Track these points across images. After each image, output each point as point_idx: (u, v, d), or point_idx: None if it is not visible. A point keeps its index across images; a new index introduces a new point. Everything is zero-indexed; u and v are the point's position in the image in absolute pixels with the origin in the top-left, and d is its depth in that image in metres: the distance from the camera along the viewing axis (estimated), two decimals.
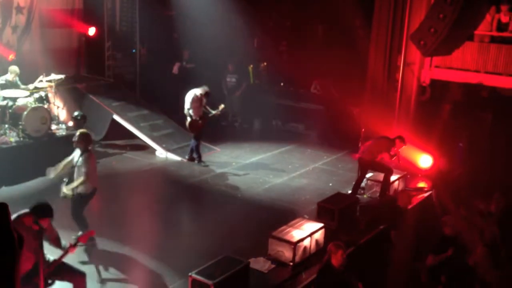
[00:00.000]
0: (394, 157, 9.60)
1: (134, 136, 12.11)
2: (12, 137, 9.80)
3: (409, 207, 8.96)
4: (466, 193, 9.70)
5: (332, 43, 14.83)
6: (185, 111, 10.87)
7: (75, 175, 7.36)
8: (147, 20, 14.40)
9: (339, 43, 14.12)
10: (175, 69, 14.63)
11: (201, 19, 13.98)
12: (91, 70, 13.90)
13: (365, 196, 9.72)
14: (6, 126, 9.90)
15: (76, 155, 7.43)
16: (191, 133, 11.21)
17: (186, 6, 14.15)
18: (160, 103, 13.39)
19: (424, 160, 11.01)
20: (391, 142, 9.59)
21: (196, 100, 10.81)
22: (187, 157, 11.33)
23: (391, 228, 8.11)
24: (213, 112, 11.12)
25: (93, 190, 7.53)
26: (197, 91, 10.85)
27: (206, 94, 10.95)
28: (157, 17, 14.70)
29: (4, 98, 9.99)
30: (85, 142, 7.39)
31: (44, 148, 9.99)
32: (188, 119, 10.89)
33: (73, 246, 5.52)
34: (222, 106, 11.18)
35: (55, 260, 5.53)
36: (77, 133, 7.50)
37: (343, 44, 13.84)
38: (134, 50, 14.70)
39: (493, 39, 11.36)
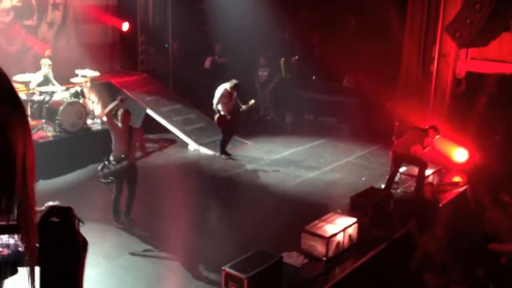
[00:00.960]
0: (427, 148, 9.44)
1: (167, 130, 12.23)
2: (49, 132, 10.02)
3: (438, 201, 8.83)
4: (502, 188, 9.50)
5: (365, 35, 14.64)
6: (214, 106, 10.92)
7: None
8: (180, 14, 14.48)
9: (372, 35, 13.94)
10: (207, 64, 14.69)
11: (233, 13, 13.98)
12: (124, 65, 14.07)
13: (398, 191, 9.61)
14: (43, 121, 10.12)
15: None
16: (219, 128, 11.27)
17: (218, 0, 14.18)
18: (192, 97, 13.48)
19: (459, 154, 10.82)
20: (424, 132, 9.43)
21: (225, 95, 10.85)
22: (219, 152, 11.40)
23: (413, 219, 8.00)
24: (244, 107, 11.15)
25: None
26: (226, 86, 10.89)
27: (235, 87, 10.96)
28: (190, 11, 14.76)
29: (41, 93, 10.21)
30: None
31: (80, 142, 10.19)
32: (217, 114, 10.94)
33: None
34: (252, 101, 11.20)
35: None
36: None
37: (376, 36, 13.67)
38: (166, 45, 14.81)
39: None
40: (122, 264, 6.98)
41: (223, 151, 11.33)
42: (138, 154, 8.07)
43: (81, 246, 0.96)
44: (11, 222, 0.80)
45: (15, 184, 0.77)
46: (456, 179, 10.37)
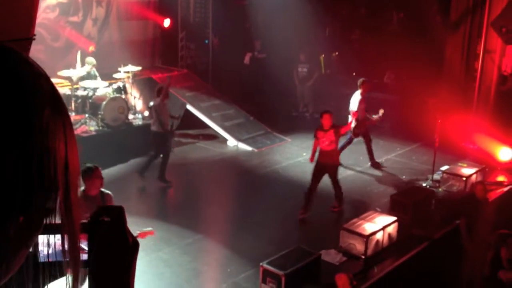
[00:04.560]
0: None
1: (206, 126, 12.31)
2: (91, 126, 10.22)
3: (488, 200, 8.59)
4: None
5: (407, 31, 14.40)
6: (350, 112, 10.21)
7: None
8: (220, 10, 14.55)
9: (415, 30, 13.70)
10: (247, 59, 14.72)
11: (273, 9, 13.96)
12: (165, 61, 14.24)
13: (440, 189, 9.42)
14: (86, 115, 10.34)
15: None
16: (354, 136, 10.41)
17: None
18: (232, 93, 13.53)
19: (504, 153, 10.52)
20: None
21: (361, 102, 10.18)
22: (369, 163, 10.66)
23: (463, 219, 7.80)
24: (374, 117, 10.33)
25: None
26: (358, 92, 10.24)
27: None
28: (230, 7, 14.82)
29: (85, 89, 10.42)
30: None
31: (122, 137, 10.36)
32: (354, 122, 9.95)
33: None
34: (382, 111, 10.31)
35: None
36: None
37: (418, 31, 13.43)
38: (206, 41, 14.90)
39: None
40: (161, 257, 7.07)
41: (374, 162, 10.65)
42: None
43: (132, 247, 0.96)
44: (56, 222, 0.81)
45: (58, 188, 0.78)
46: (501, 178, 10.08)
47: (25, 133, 0.72)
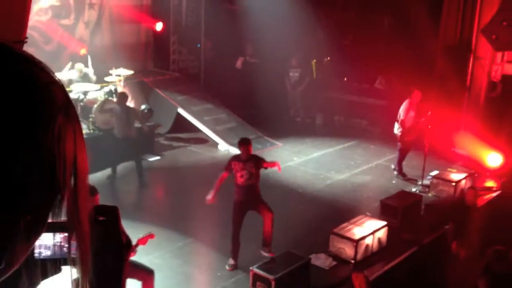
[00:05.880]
0: None
1: (198, 130, 12.32)
2: (82, 130, 10.20)
3: (477, 205, 8.66)
4: None
5: (398, 36, 14.48)
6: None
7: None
8: (212, 14, 14.58)
9: (406, 36, 13.77)
10: (239, 64, 14.75)
11: (265, 13, 14.00)
12: (157, 64, 14.25)
13: (430, 194, 9.49)
14: None
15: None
16: (403, 145, 10.24)
17: (251, 0, 14.22)
18: (224, 97, 13.56)
19: (493, 159, 10.62)
20: None
21: (408, 110, 10.08)
22: (396, 172, 10.46)
23: (452, 225, 7.85)
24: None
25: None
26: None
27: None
28: (222, 11, 14.85)
29: (76, 92, 10.41)
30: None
31: (113, 140, 10.33)
32: (400, 129, 9.99)
33: (133, 249, 5.41)
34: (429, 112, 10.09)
35: None
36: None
37: (409, 37, 13.50)
38: (199, 45, 14.92)
39: None
40: (151, 261, 7.05)
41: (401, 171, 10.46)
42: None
43: (125, 247, 0.99)
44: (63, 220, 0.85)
45: (66, 189, 0.82)
46: (490, 183, 10.17)
47: (39, 139, 0.75)
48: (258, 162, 6.96)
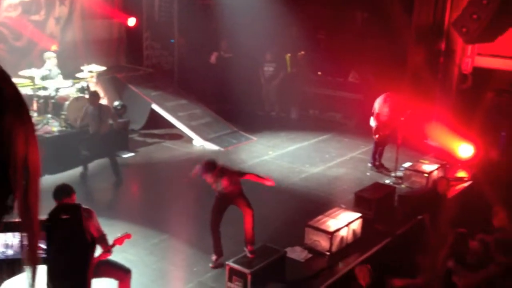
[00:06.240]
0: None
1: (172, 125, 12.25)
2: (54, 127, 10.07)
3: (449, 195, 8.79)
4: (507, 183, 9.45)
5: (371, 30, 14.60)
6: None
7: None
8: (186, 9, 14.49)
9: (379, 30, 13.89)
10: (213, 59, 14.69)
11: (239, 8, 13.97)
12: (130, 60, 14.11)
13: (403, 186, 9.61)
14: (49, 115, 10.18)
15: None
16: (377, 139, 10.19)
17: None
18: (198, 92, 13.50)
19: (465, 149, 10.80)
20: None
21: (383, 105, 10.05)
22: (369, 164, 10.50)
23: (427, 214, 7.96)
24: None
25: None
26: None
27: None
28: (195, 6, 14.78)
29: (47, 89, 10.25)
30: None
31: (86, 138, 10.22)
32: (374, 123, 10.06)
33: (109, 249, 5.11)
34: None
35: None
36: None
37: (383, 31, 13.62)
38: (172, 40, 14.82)
39: None
40: (126, 258, 6.99)
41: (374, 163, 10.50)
42: None
43: (90, 244, 0.98)
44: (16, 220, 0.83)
45: (17, 189, 0.79)
46: (461, 174, 10.34)
47: None
48: (232, 173, 6.69)
